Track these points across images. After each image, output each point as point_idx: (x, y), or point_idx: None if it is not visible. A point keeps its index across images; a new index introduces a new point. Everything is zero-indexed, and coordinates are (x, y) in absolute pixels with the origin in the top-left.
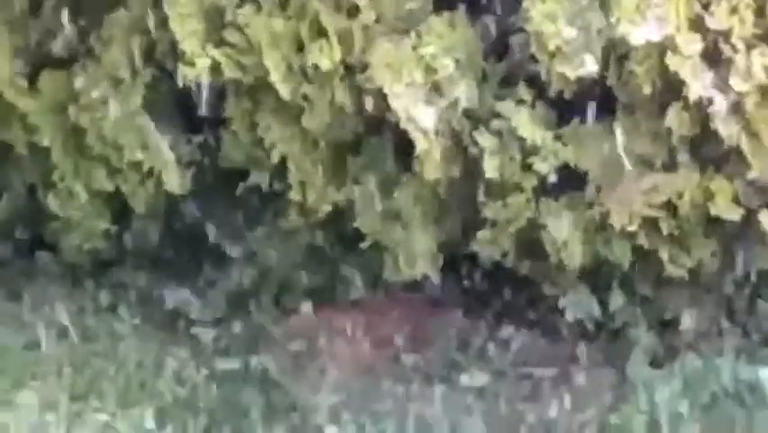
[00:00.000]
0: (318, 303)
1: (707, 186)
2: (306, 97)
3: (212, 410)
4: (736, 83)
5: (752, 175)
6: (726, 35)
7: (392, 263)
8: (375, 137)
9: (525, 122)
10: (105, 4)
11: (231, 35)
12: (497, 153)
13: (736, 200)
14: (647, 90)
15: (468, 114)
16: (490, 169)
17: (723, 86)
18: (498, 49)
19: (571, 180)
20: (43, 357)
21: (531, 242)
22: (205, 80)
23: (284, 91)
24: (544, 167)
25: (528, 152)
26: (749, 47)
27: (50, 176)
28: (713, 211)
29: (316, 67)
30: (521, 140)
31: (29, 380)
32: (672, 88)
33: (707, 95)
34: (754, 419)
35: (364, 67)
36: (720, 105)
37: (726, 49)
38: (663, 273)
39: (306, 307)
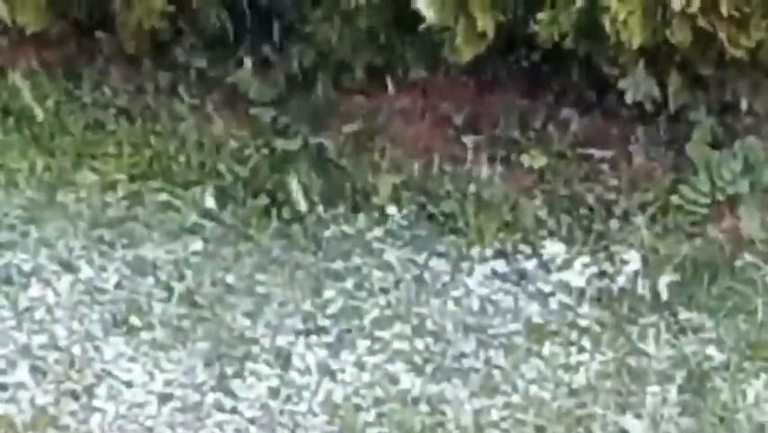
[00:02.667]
0: (377, 84)
1: None
2: None
3: (271, 191)
4: None
5: None
6: None
7: (451, 44)
8: None
9: None
10: None
11: None
12: None
13: None
14: None
15: None
16: None
17: None
18: None
19: None
20: (103, 137)
21: (591, 22)
22: None
23: None
24: None
25: None
26: None
27: None
28: None
29: None
30: None
31: (89, 159)
32: None
33: None
34: None
35: None
36: None
37: None
38: (723, 55)
39: (366, 87)
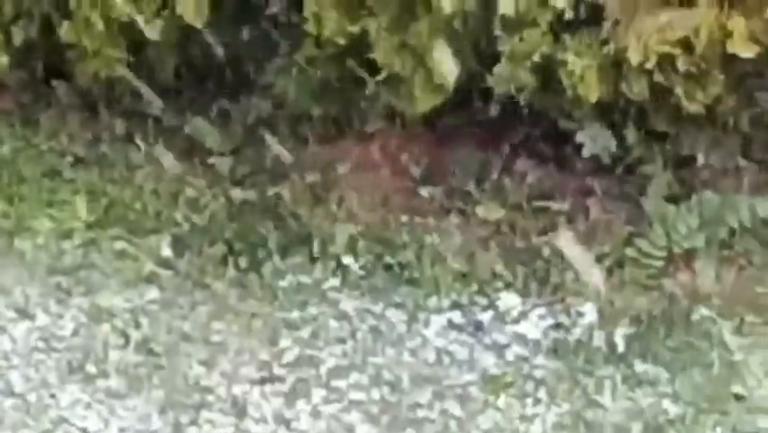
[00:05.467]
0: (335, 134)
1: (723, 22)
2: None
3: (228, 240)
4: None
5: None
6: None
7: (409, 96)
8: None
9: None
10: None
11: None
12: None
13: (753, 38)
14: None
15: None
16: (506, 4)
17: None
18: None
19: (587, 15)
20: (60, 185)
21: (547, 76)
22: None
23: None
24: (561, 2)
25: None
26: None
27: (66, 4)
28: (729, 49)
29: None
30: None
31: (46, 207)
32: None
33: None
34: None
35: None
36: None
37: None
38: (680, 110)
39: (323, 138)
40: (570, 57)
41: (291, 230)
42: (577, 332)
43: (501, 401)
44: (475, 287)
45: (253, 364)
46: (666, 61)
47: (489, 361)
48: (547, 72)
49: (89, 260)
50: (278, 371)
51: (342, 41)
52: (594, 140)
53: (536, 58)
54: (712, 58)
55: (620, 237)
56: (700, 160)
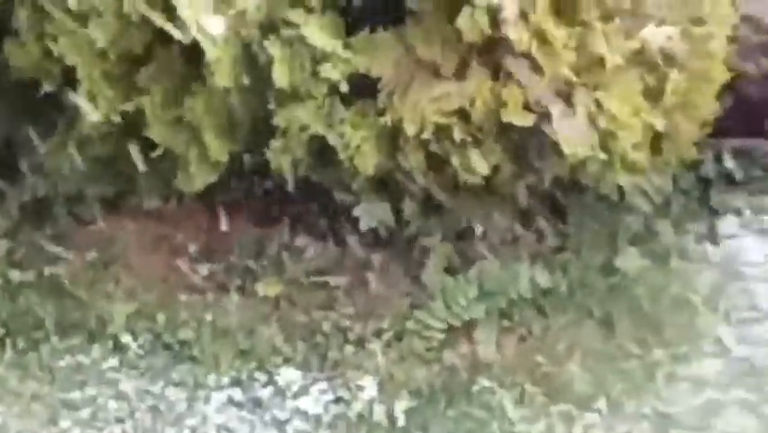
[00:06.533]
0: (112, 213)
1: (498, 92)
2: (93, 8)
3: (5, 322)
4: None
5: (543, 81)
6: None
7: (185, 172)
8: (164, 47)
9: (315, 30)
10: None
11: None
12: (287, 62)
13: (528, 107)
14: None
15: (257, 22)
16: (280, 77)
17: None
18: None
19: (363, 88)
20: None
21: (323, 150)
22: None
23: (71, 1)
24: (335, 75)
25: (319, 60)
26: None
27: None
28: (505, 118)
29: None
30: (311, 48)
31: None
32: None
33: (496, 0)
34: (551, 325)
35: None
36: (510, 10)
37: None
38: (457, 181)
39: (100, 217)
40: (345, 129)
41: (69, 310)
42: (357, 406)
43: None
44: (255, 363)
45: None
46: (443, 132)
47: None
48: (323, 145)
49: None
50: None
51: (116, 120)
52: (371, 213)
53: (312, 131)
54: (488, 127)
55: (400, 310)
56: (479, 230)
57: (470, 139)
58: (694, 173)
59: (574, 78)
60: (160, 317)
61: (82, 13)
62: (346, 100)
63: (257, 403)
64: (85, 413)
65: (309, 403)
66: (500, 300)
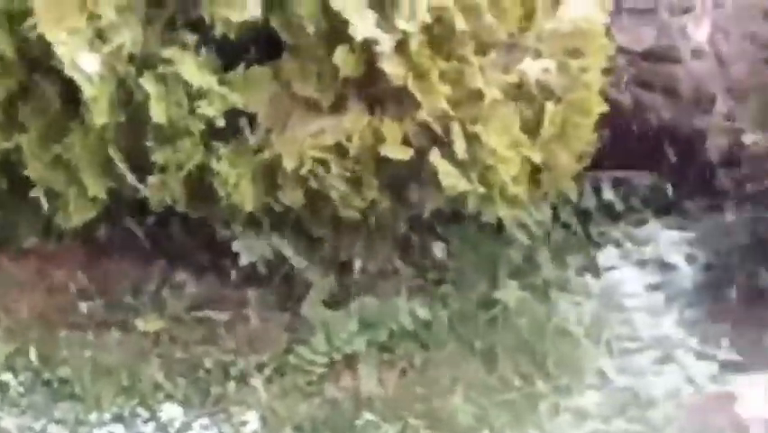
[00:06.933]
0: None
1: (376, 127)
2: None
3: None
4: (400, 23)
5: (420, 115)
6: None
7: (63, 210)
8: (41, 84)
9: (191, 66)
10: None
11: None
12: (163, 98)
13: (406, 141)
14: (312, 31)
15: (133, 59)
16: (157, 114)
17: (387, 26)
18: None
19: (240, 124)
20: None
21: (202, 186)
22: None
23: None
24: (212, 111)
25: (195, 96)
26: None
27: None
28: (383, 152)
29: None
30: (187, 85)
31: None
32: (336, 29)
33: (372, 35)
34: (433, 357)
35: (27, 13)
36: (386, 45)
37: None
38: (336, 215)
39: None
40: (223, 166)
41: None
42: None
43: None
44: (137, 399)
45: None
46: (321, 167)
47: None
48: (202, 181)
49: None
50: None
51: None
52: (251, 248)
53: (190, 167)
54: (366, 162)
55: (281, 345)
56: (358, 264)
57: (348, 173)
58: (574, 205)
59: (452, 112)
60: (41, 355)
61: None
62: (224, 136)
63: None
64: None
65: None
66: (381, 334)
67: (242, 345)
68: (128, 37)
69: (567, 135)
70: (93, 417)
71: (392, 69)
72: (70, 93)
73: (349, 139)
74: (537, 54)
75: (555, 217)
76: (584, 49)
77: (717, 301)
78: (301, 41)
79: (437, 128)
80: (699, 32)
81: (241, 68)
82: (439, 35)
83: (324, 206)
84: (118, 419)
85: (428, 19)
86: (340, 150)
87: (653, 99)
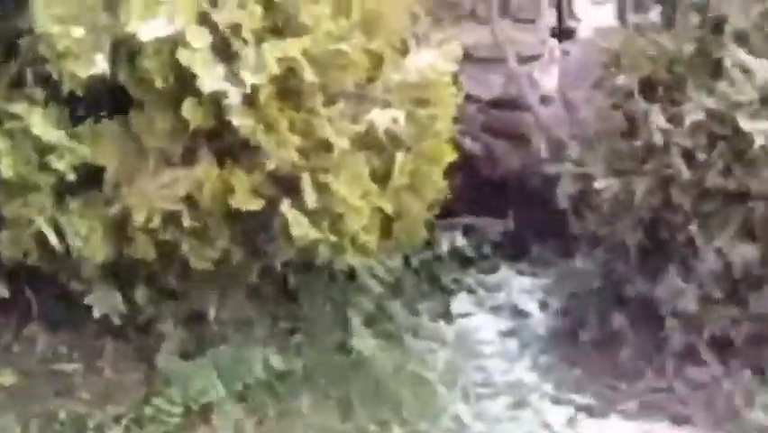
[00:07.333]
0: None
1: (226, 178)
2: None
3: None
4: (248, 75)
5: (270, 166)
6: (236, 29)
7: None
8: None
9: (39, 121)
10: None
11: None
12: (11, 154)
13: (257, 192)
14: (160, 85)
15: None
16: (6, 169)
17: (235, 78)
18: (8, 50)
19: (91, 178)
20: None
21: (53, 239)
22: None
23: None
24: (62, 165)
25: (44, 151)
26: (259, 40)
27: None
28: (233, 203)
29: None
30: (36, 139)
31: None
32: (185, 82)
33: (220, 88)
34: (288, 407)
35: None
36: (234, 97)
37: (235, 42)
38: (189, 266)
39: None
40: (74, 219)
41: None
42: None
43: None
44: None
45: None
46: (171, 219)
47: None
48: (54, 235)
49: None
50: None
51: None
52: (103, 301)
53: (40, 221)
54: (217, 213)
55: (137, 397)
56: (212, 315)
57: (198, 225)
58: (426, 253)
59: (302, 163)
60: None
61: None
62: (74, 190)
63: None
64: None
65: None
66: (236, 384)
67: (99, 397)
68: None
69: (417, 184)
70: None
71: (241, 120)
72: None
73: (199, 190)
74: (386, 104)
75: (407, 265)
76: (432, 98)
77: (570, 346)
78: (150, 95)
79: (287, 179)
80: (548, 80)
81: (89, 122)
82: (288, 87)
83: (175, 257)
84: None
85: (277, 71)
86: (190, 202)
87: (504, 146)
